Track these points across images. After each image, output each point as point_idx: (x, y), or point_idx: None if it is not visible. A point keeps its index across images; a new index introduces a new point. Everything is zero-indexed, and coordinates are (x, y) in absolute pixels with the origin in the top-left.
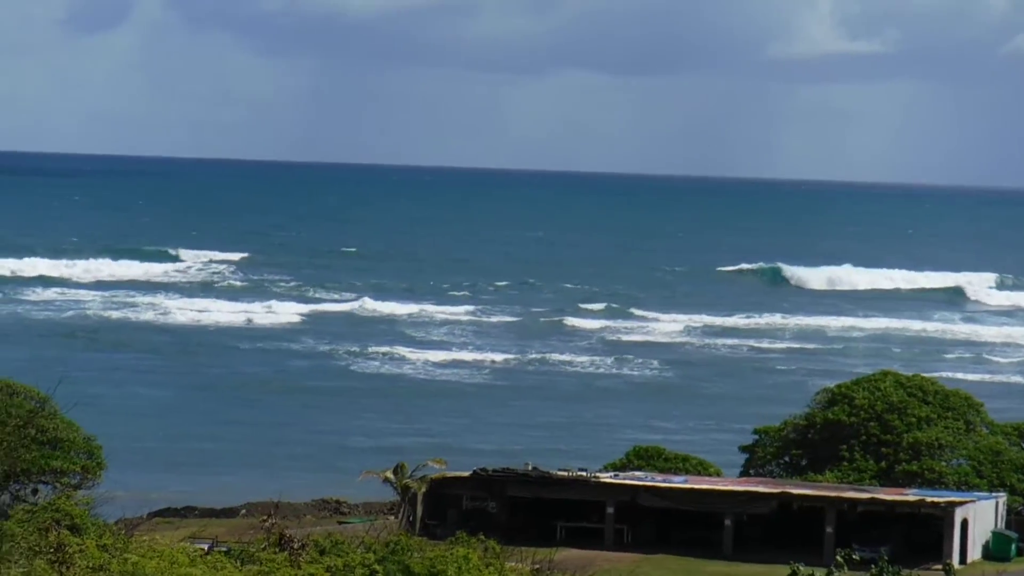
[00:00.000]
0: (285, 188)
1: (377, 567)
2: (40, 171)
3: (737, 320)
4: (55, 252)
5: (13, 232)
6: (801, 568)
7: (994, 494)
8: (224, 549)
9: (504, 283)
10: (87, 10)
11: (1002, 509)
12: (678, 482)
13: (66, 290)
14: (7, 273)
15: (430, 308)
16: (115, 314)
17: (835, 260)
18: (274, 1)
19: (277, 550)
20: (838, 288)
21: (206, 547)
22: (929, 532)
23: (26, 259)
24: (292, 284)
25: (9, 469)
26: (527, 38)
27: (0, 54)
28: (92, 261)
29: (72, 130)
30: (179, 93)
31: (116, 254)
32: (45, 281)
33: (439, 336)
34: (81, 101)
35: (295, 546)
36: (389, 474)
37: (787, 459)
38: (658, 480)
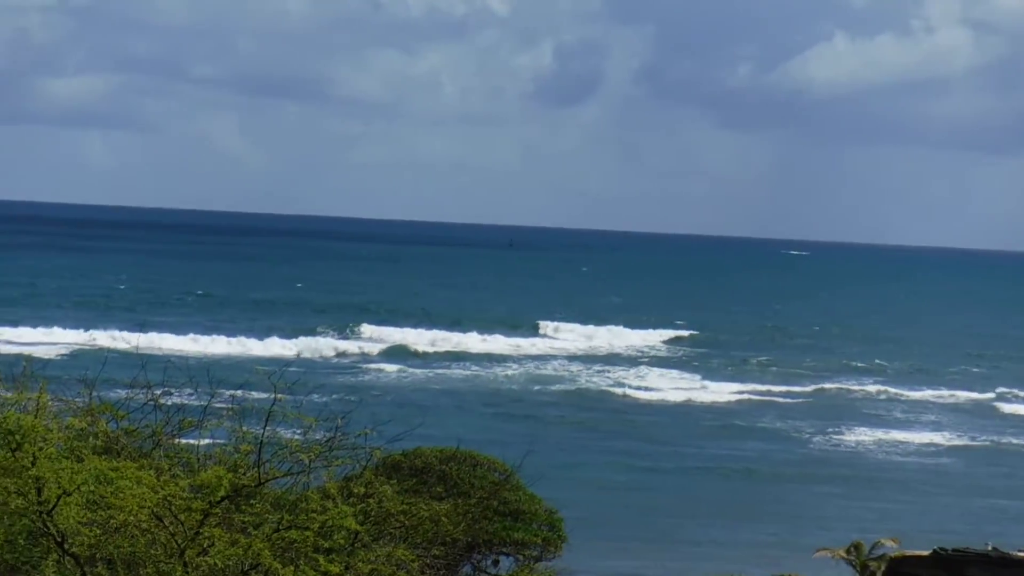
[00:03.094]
0: (747, 263)
1: None
2: (528, 244)
3: None
4: (515, 326)
5: (475, 304)
6: None
7: None
8: None
9: (956, 364)
10: (556, 84)
11: None
12: None
13: (528, 363)
14: (476, 350)
15: (881, 388)
16: (574, 387)
17: None
18: (740, 77)
19: None
20: None
21: None
22: None
23: (475, 333)
24: (743, 362)
25: (472, 540)
26: (995, 116)
27: (471, 126)
28: (551, 337)
29: (542, 203)
30: (646, 167)
31: (584, 327)
32: (504, 355)
33: (892, 416)
34: (550, 174)
35: None
36: (843, 552)
37: None
38: None
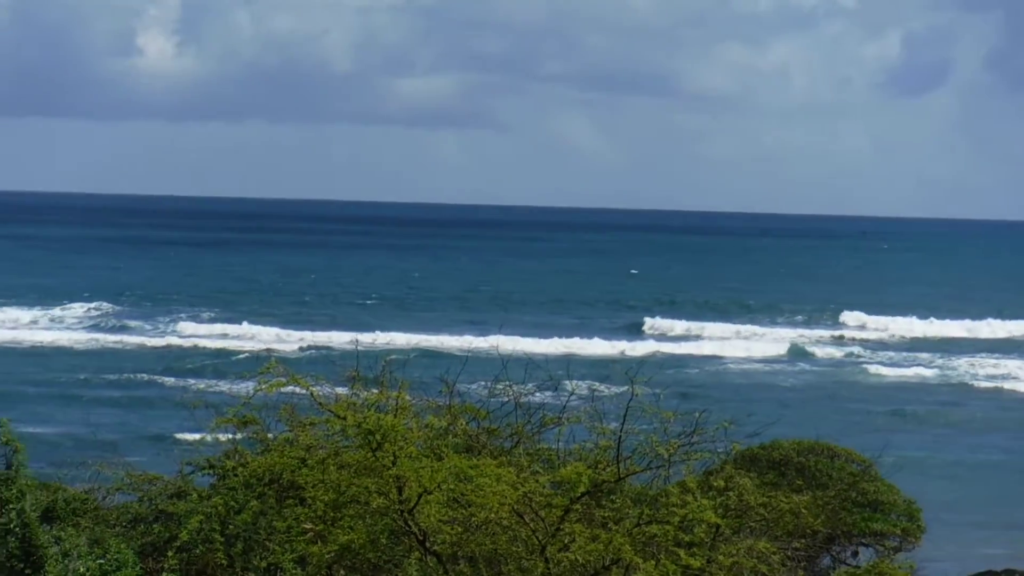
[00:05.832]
0: None
1: None
2: (881, 235)
3: None
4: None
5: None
6: None
7: None
8: None
9: None
10: (906, 73)
11: None
12: None
13: (864, 352)
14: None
15: None
16: (913, 379)
17: None
18: None
19: None
20: None
21: None
22: None
23: (808, 328)
24: None
25: (831, 532)
26: None
27: (819, 117)
28: (878, 330)
29: (893, 193)
30: (996, 154)
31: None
32: (837, 345)
33: None
34: (900, 163)
35: None
36: None
37: None
38: None
